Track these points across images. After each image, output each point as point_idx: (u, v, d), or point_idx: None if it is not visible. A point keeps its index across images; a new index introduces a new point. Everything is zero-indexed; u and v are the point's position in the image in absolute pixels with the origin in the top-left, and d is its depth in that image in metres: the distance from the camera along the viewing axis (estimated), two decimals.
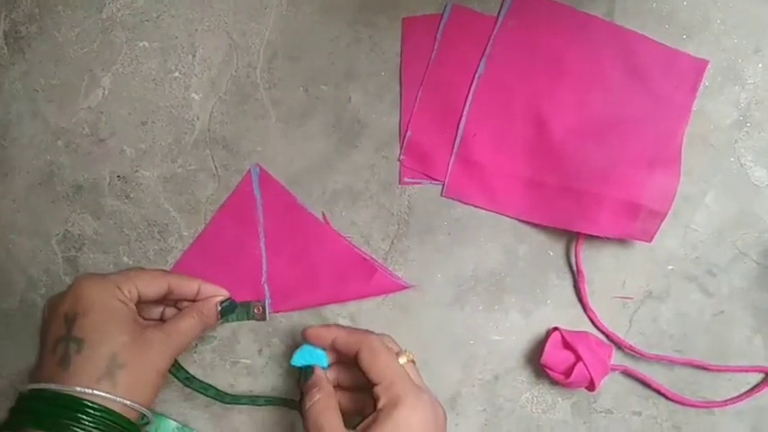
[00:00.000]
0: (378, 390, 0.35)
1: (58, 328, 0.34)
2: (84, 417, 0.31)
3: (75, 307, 0.34)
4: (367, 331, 0.39)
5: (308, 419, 0.36)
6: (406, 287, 0.43)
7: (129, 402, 0.33)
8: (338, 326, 0.39)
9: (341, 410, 0.36)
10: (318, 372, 0.38)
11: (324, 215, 0.43)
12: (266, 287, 0.43)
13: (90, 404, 0.32)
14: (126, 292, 0.35)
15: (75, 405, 0.31)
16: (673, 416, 0.42)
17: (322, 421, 0.35)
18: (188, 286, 0.38)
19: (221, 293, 0.39)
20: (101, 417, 0.32)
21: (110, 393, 0.32)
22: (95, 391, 0.32)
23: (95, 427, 0.31)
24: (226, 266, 0.43)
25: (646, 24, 0.42)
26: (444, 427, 0.36)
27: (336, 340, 0.38)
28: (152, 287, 0.37)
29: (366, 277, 0.42)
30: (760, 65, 0.42)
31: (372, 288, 0.43)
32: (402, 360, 0.37)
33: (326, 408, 0.36)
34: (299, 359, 0.38)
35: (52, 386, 0.32)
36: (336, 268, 0.43)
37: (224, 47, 0.44)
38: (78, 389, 0.32)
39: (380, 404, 0.34)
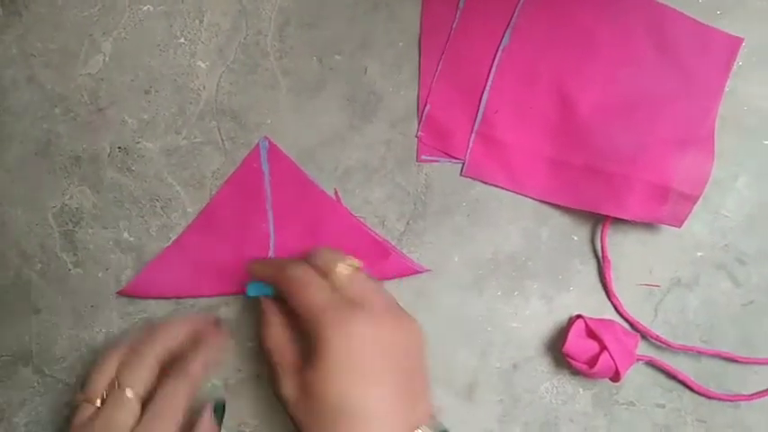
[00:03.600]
0: (304, 327, 0.33)
1: None
2: None
3: None
4: (288, 261, 0.36)
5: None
6: (421, 271, 0.41)
7: None
8: (269, 260, 0.38)
9: None
10: (264, 302, 0.37)
11: (336, 192, 0.41)
12: None
13: None
14: None
15: None
16: (698, 409, 0.40)
17: (267, 347, 0.35)
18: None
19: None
20: None
21: None
22: None
23: None
24: (230, 244, 0.41)
25: None
26: (400, 343, 0.32)
27: (263, 277, 0.37)
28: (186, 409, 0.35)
29: (379, 260, 0.40)
30: None
31: (385, 271, 0.41)
32: (341, 273, 0.34)
33: (268, 336, 0.36)
34: (252, 290, 0.38)
35: None
36: (348, 249, 0.40)
37: (233, 12, 0.41)
38: None
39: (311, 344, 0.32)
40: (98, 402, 0.35)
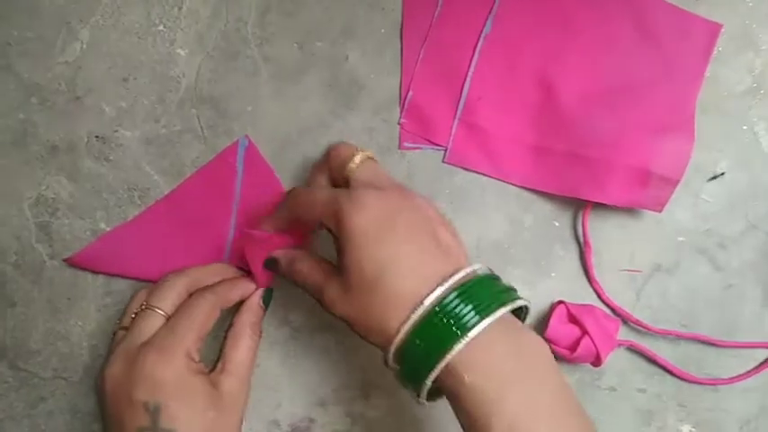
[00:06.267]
0: (328, 228, 0.34)
1: (140, 419, 0.33)
2: None
3: (154, 395, 0.33)
4: (289, 193, 0.37)
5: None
6: None
7: None
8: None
9: None
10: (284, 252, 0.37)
11: None
12: None
13: None
14: (196, 357, 0.35)
15: None
16: (678, 393, 0.41)
17: (300, 274, 0.35)
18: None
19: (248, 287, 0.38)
20: None
21: None
22: None
23: None
24: (187, 234, 0.40)
25: None
26: (413, 209, 0.33)
27: (279, 222, 0.37)
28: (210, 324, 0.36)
29: None
30: None
31: None
32: (353, 162, 0.35)
33: (298, 267, 0.35)
34: None
35: None
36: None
37: None
38: None
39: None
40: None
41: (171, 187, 0.41)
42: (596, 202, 0.39)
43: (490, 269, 0.32)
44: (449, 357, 0.29)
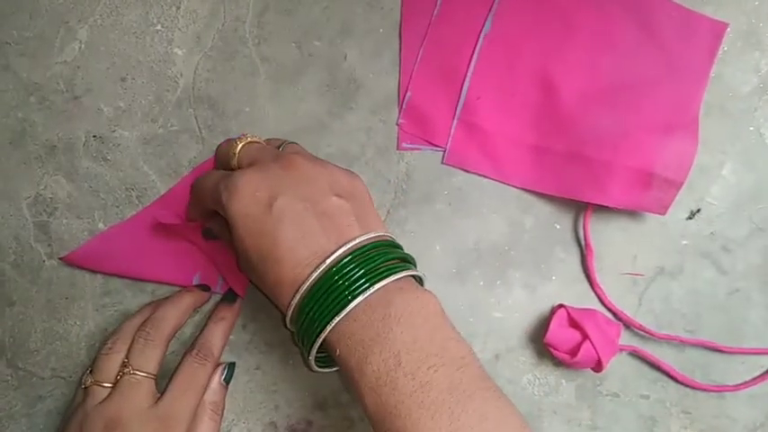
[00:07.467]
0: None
1: None
2: None
3: None
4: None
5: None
6: None
7: None
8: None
9: None
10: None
11: None
12: None
13: None
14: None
15: None
16: (682, 400, 0.40)
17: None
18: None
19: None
20: None
21: None
22: None
23: None
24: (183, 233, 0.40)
25: None
26: (293, 178, 0.32)
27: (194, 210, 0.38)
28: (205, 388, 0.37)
29: None
30: None
31: None
32: (236, 151, 0.35)
33: (221, 232, 0.38)
34: None
35: None
36: None
37: None
38: None
39: None
40: (109, 385, 0.35)
41: (168, 187, 0.41)
42: (598, 205, 0.38)
43: (386, 236, 0.32)
44: (323, 336, 0.30)
